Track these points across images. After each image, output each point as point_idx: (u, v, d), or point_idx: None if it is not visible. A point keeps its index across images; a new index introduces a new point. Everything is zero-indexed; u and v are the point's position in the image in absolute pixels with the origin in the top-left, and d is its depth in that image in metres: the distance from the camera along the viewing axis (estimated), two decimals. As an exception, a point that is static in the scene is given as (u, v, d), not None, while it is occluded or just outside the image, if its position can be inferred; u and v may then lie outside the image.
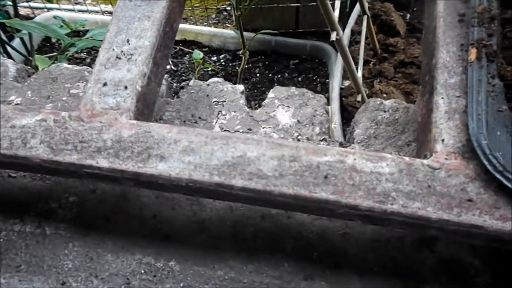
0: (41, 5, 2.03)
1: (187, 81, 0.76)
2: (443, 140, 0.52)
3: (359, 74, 1.45)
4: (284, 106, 0.72)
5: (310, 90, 0.74)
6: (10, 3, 1.29)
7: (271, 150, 0.52)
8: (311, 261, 0.58)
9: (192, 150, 0.53)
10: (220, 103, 0.72)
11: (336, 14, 1.16)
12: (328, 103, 0.74)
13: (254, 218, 0.61)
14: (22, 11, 1.97)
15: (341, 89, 1.66)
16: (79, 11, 2.08)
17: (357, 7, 1.78)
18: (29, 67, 0.82)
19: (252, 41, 1.62)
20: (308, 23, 1.94)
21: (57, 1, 2.05)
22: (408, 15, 1.94)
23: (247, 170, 0.51)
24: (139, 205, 0.63)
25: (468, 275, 0.57)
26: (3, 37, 1.36)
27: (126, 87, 0.58)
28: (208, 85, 0.74)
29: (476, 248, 0.58)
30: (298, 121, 0.70)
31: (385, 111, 0.70)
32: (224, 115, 0.71)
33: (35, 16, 2.00)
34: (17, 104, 0.72)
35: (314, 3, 1.76)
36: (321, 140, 0.68)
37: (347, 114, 1.58)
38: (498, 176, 0.47)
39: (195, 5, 2.11)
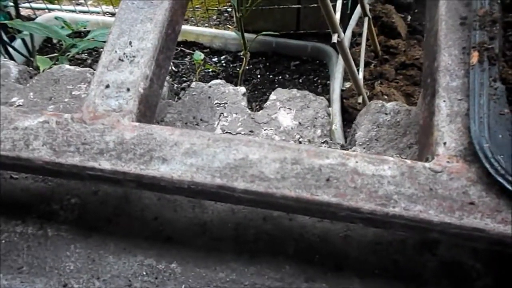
0: (43, 6, 2.04)
1: (188, 82, 0.76)
2: (445, 143, 0.52)
3: (360, 75, 1.45)
4: (286, 108, 0.72)
5: (310, 91, 0.75)
6: (11, 4, 1.29)
7: (273, 153, 0.52)
8: (313, 263, 0.59)
9: (194, 152, 0.53)
10: (221, 105, 0.72)
11: (337, 15, 1.16)
12: (329, 105, 0.74)
13: (256, 220, 0.61)
14: (24, 12, 1.97)
15: (342, 90, 1.66)
16: (81, 12, 2.08)
17: (358, 8, 1.78)
18: (31, 68, 0.82)
19: (253, 42, 1.63)
20: (309, 24, 1.94)
21: (58, 2, 2.05)
22: (409, 17, 1.95)
23: (249, 173, 0.51)
24: (141, 207, 0.63)
25: (470, 278, 0.57)
26: (5, 38, 1.37)
27: (128, 89, 0.58)
28: (209, 87, 0.75)
29: (478, 251, 0.58)
30: (299, 123, 0.70)
31: (386, 114, 0.70)
32: (225, 117, 0.71)
33: (37, 17, 2.01)
34: (19, 105, 0.72)
35: (315, 5, 1.77)
36: (323, 143, 0.68)
37: (348, 116, 1.58)
38: (500, 179, 0.47)
39: (196, 6, 2.11)
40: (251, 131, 0.69)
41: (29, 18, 2.00)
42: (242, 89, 0.75)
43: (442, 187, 0.49)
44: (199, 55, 1.65)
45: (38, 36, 1.55)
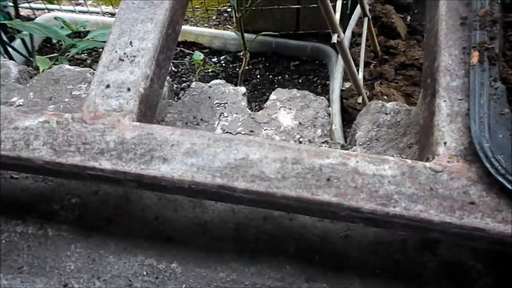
0: (42, 6, 2.04)
1: (188, 83, 0.76)
2: (445, 143, 0.52)
3: (360, 76, 1.45)
4: (286, 108, 0.72)
5: (310, 91, 0.75)
6: (11, 4, 1.29)
7: (274, 153, 0.52)
8: (313, 263, 0.59)
9: (194, 152, 0.53)
10: (222, 105, 0.72)
11: (337, 16, 1.17)
12: (329, 105, 0.74)
13: (256, 220, 0.61)
14: (23, 12, 1.97)
15: (341, 90, 1.66)
16: (80, 12, 2.08)
17: (358, 9, 1.78)
18: (31, 68, 0.82)
19: (253, 42, 1.63)
20: (309, 24, 1.94)
21: (58, 2, 2.05)
22: (409, 17, 1.95)
23: (250, 172, 0.51)
24: (141, 207, 0.63)
25: (470, 278, 0.57)
26: (4, 38, 1.37)
27: (129, 89, 0.58)
28: (210, 87, 0.75)
29: (478, 251, 0.58)
30: (300, 123, 0.70)
31: (386, 114, 0.70)
32: (226, 117, 0.71)
33: (36, 17, 2.01)
34: (19, 105, 0.72)
35: (315, 5, 1.77)
36: (323, 143, 0.68)
37: (348, 116, 1.58)
38: (500, 179, 0.48)
39: (196, 6, 2.11)
40: (252, 131, 0.69)
41: (28, 18, 2.00)
42: (242, 89, 0.75)
43: (443, 186, 0.49)
44: (198, 55, 1.65)
45: (37, 36, 1.55)
